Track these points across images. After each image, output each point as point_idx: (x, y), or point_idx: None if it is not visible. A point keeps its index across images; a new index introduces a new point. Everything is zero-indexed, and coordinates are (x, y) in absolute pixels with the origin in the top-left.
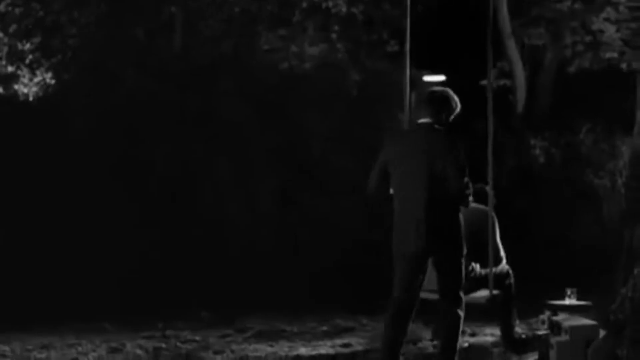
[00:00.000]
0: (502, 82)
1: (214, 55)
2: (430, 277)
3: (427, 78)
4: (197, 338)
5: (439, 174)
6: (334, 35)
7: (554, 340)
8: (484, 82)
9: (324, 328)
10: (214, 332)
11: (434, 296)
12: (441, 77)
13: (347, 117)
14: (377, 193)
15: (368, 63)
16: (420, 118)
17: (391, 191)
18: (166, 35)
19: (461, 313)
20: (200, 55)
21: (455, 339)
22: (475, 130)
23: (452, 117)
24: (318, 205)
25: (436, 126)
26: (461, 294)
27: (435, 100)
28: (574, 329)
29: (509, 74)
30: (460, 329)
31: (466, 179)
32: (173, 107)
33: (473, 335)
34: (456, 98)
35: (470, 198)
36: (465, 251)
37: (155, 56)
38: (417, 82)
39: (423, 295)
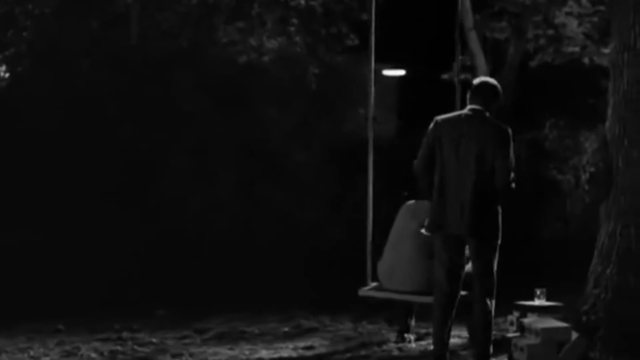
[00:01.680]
0: (463, 75)
1: (172, 48)
2: (404, 278)
3: (387, 72)
4: (155, 340)
5: (487, 164)
6: (292, 29)
7: (524, 343)
8: (445, 75)
9: (286, 329)
10: (172, 334)
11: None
12: (401, 72)
13: (306, 110)
14: (424, 174)
15: (327, 57)
16: (471, 104)
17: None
18: (122, 26)
19: (493, 302)
20: (158, 47)
21: (489, 328)
22: None
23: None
24: (278, 200)
25: (487, 114)
26: (494, 285)
27: (487, 91)
28: (545, 331)
29: (470, 68)
30: (492, 319)
31: (512, 175)
32: (130, 100)
33: None
34: (499, 87)
35: (512, 192)
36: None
37: (112, 48)
38: (377, 76)
39: (391, 295)
